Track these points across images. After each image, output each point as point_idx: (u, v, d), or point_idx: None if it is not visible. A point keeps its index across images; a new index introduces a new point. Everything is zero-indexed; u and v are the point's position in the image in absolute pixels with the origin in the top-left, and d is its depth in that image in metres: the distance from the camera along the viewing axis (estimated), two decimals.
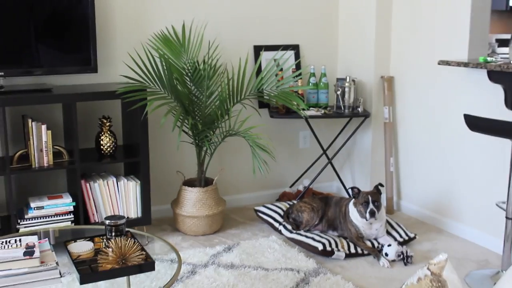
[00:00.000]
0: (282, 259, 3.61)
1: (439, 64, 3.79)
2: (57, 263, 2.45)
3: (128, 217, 3.80)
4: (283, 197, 4.64)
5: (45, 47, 3.73)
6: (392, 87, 4.46)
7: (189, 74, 3.93)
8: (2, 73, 3.60)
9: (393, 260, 3.59)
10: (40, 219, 3.63)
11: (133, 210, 3.86)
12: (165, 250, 3.42)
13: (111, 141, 3.84)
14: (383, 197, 4.21)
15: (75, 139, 3.64)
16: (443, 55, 3.93)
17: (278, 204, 4.30)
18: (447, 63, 3.70)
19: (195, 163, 4.12)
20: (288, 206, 4.22)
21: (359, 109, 4.41)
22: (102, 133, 3.83)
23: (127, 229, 2.75)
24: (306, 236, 3.79)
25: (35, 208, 3.62)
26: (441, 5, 3.99)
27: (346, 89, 4.38)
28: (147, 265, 2.53)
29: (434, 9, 4.05)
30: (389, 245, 3.62)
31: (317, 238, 3.75)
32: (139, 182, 3.84)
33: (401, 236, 3.83)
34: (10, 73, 3.65)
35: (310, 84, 4.50)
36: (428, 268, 1.63)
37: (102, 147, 3.83)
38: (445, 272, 1.63)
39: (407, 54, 4.32)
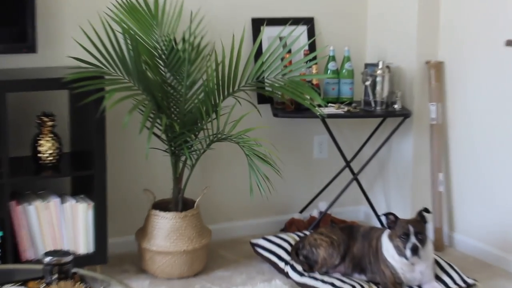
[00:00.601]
0: None
1: (507, 45, 3.74)
2: None
3: (76, 253, 3.74)
4: (290, 226, 4.63)
5: None
6: (442, 76, 4.43)
7: (163, 56, 3.95)
8: None
9: None
10: None
11: (83, 243, 3.85)
12: None
13: (53, 147, 3.83)
14: (430, 228, 4.16)
15: (4, 144, 3.64)
16: None
17: (284, 236, 4.29)
18: None
19: (170, 178, 4.13)
20: (297, 239, 4.20)
21: (396, 106, 4.40)
22: (42, 135, 3.82)
23: (74, 269, 2.74)
24: (323, 281, 3.76)
25: None
26: None
27: (378, 79, 4.37)
28: None
29: None
30: None
31: (338, 283, 3.71)
32: (92, 204, 3.82)
33: (455, 283, 3.79)
34: None
35: (329, 71, 4.49)
36: None
37: (41, 155, 3.82)
38: None
39: (462, 32, 4.30)
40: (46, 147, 3.81)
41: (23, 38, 3.81)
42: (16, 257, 3.73)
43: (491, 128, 4.15)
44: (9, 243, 3.68)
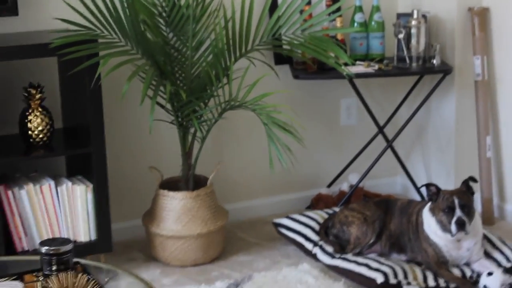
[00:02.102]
0: None
1: None
2: None
3: (76, 241, 3.80)
4: (318, 202, 4.66)
5: None
6: (487, 25, 4.44)
7: (164, 14, 3.94)
8: None
9: None
10: None
11: (83, 229, 3.88)
12: None
13: (44, 123, 3.85)
14: (477, 199, 4.19)
15: None
16: None
17: (310, 214, 4.31)
18: None
19: (178, 153, 4.15)
20: (326, 216, 4.23)
21: (435, 62, 4.40)
22: (30, 110, 3.84)
23: (75, 259, 2.77)
24: (357, 263, 3.78)
25: None
26: None
27: (413, 31, 4.38)
28: None
29: None
30: (489, 274, 3.60)
31: (375, 265, 3.73)
32: (92, 185, 3.85)
33: (508, 260, 3.80)
34: None
35: (356, 24, 4.51)
36: None
37: (30, 132, 3.84)
38: None
39: None
40: (36, 124, 3.81)
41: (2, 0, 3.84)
42: (10, 248, 3.75)
43: None
44: (0, 232, 3.73)
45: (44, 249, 2.67)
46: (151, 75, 3.78)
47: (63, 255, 2.68)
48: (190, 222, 4.00)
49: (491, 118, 4.48)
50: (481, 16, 4.40)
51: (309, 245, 4.04)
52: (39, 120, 3.83)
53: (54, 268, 2.67)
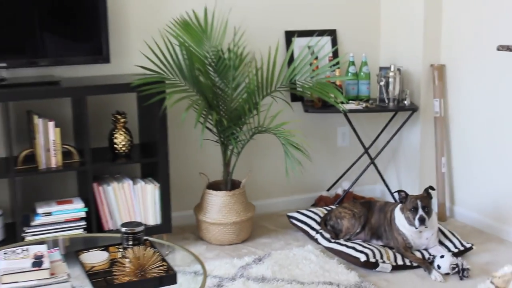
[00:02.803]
0: (320, 271, 3.61)
1: (498, 49, 3.75)
2: (68, 275, 2.49)
3: (146, 224, 3.80)
4: (319, 202, 4.64)
5: (51, 35, 3.77)
6: (444, 76, 4.42)
7: (212, 64, 3.93)
8: (5, 64, 3.66)
9: (447, 274, 3.55)
10: (48, 226, 3.68)
11: (151, 216, 3.89)
12: (188, 261, 3.44)
13: (126, 139, 3.86)
14: (434, 202, 4.16)
15: (86, 138, 3.68)
16: (504, 39, 3.88)
17: (314, 209, 4.29)
18: (508, 48, 3.65)
19: (220, 163, 4.14)
20: (325, 212, 4.22)
21: (406, 102, 4.38)
22: (116, 130, 3.86)
23: (145, 237, 2.79)
24: (347, 246, 3.78)
25: (43, 214, 3.66)
26: None
27: (391, 80, 4.35)
28: (169, 277, 2.57)
29: None
30: (442, 256, 3.59)
31: (359, 248, 3.73)
32: (158, 185, 3.86)
33: (455, 247, 3.79)
34: (13, 64, 3.70)
35: (349, 74, 4.49)
36: (491, 282, 1.61)
37: (116, 146, 3.86)
38: (511, 286, 1.60)
39: (460, 39, 4.27)
40: (120, 140, 3.84)
41: (99, 51, 3.81)
42: (99, 228, 3.78)
43: (484, 119, 4.14)
44: (93, 216, 3.75)
45: (124, 229, 2.74)
46: (202, 107, 3.80)
47: (137, 234, 2.74)
48: (228, 213, 4.00)
49: (445, 144, 4.45)
50: (439, 70, 4.39)
51: (312, 232, 4.04)
52: (122, 137, 3.85)
53: (130, 243, 2.73)
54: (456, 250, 3.76)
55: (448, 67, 4.40)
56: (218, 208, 4.01)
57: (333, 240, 3.89)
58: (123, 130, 3.86)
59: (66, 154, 3.77)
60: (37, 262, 2.47)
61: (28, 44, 3.72)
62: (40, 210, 3.67)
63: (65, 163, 3.72)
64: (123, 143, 3.85)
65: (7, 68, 3.67)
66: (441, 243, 3.81)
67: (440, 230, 3.90)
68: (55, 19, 3.75)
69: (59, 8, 3.74)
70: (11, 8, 3.63)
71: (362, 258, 3.61)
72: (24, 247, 2.61)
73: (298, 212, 4.26)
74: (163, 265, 2.59)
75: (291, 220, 4.23)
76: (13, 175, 3.58)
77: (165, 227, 3.90)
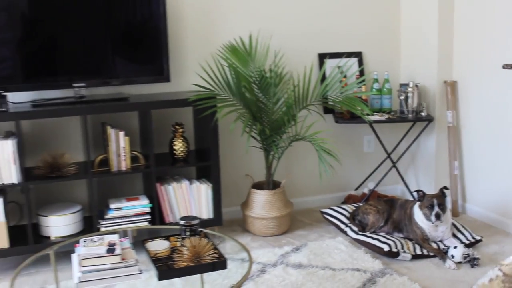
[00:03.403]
0: (349, 259, 3.59)
1: (503, 68, 3.70)
2: (136, 260, 2.51)
3: (201, 218, 3.82)
4: (348, 199, 4.61)
5: (121, 59, 3.81)
6: (455, 91, 4.37)
7: (256, 82, 3.93)
8: (84, 84, 3.71)
9: (459, 262, 3.51)
10: (119, 219, 3.72)
11: (205, 211, 3.90)
12: (236, 250, 3.46)
13: (183, 146, 3.88)
14: (448, 200, 4.13)
15: (150, 145, 3.71)
16: (508, 59, 3.84)
17: (343, 206, 4.28)
18: None
19: (263, 166, 4.14)
20: (353, 208, 4.20)
21: (423, 114, 4.34)
22: (175, 138, 3.88)
23: (200, 229, 2.79)
24: (372, 238, 3.76)
25: (115, 209, 3.71)
26: (504, 8, 3.89)
27: (409, 94, 4.32)
28: (220, 263, 2.57)
29: (496, 13, 3.95)
30: (455, 247, 3.55)
31: (383, 239, 3.71)
32: (211, 185, 3.87)
33: (467, 239, 3.75)
34: (91, 84, 3.75)
35: (374, 89, 4.46)
36: (500, 269, 1.60)
37: (175, 152, 3.88)
38: None
39: (470, 58, 4.23)
40: (178, 146, 3.86)
41: (161, 72, 3.84)
42: (161, 221, 3.81)
43: (491, 128, 4.09)
44: (156, 211, 3.78)
45: (182, 222, 2.74)
46: (248, 119, 3.83)
47: (193, 226, 2.74)
48: (270, 209, 4.00)
49: (457, 149, 4.40)
50: (451, 86, 4.34)
51: (342, 226, 4.03)
52: (180, 144, 3.87)
53: (187, 233, 2.73)
54: (467, 242, 3.71)
55: (459, 83, 4.35)
56: (262, 204, 4.01)
57: (360, 233, 3.88)
58: (181, 138, 3.88)
59: (134, 159, 3.80)
60: (111, 249, 2.50)
61: (103, 67, 3.77)
62: (112, 206, 3.72)
63: (133, 166, 3.76)
64: (181, 149, 3.87)
65: (86, 87, 3.72)
66: (454, 235, 3.77)
67: (453, 224, 3.85)
68: (125, 46, 3.79)
69: (128, 37, 3.79)
70: (89, 39, 3.70)
71: (386, 248, 3.60)
72: (100, 236, 2.64)
73: (330, 208, 4.25)
74: (215, 253, 2.60)
75: (324, 215, 4.22)
76: (90, 176, 3.63)
77: (216, 220, 3.91)
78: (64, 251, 3.09)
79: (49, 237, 3.63)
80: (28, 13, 3.56)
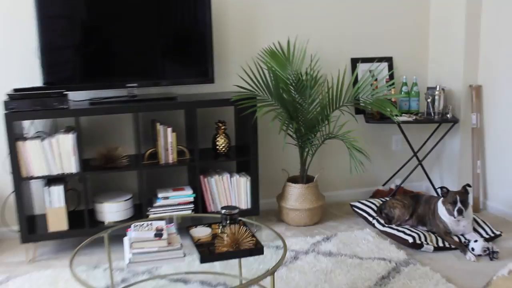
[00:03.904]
0: (375, 249, 3.59)
1: None
2: (181, 244, 2.55)
3: (240, 208, 3.76)
4: (376, 194, 4.60)
5: (170, 62, 3.82)
6: (480, 95, 4.32)
7: (293, 84, 3.93)
8: (136, 84, 3.75)
9: (479, 255, 3.48)
10: (166, 207, 3.75)
11: (243, 202, 3.91)
12: (271, 238, 3.50)
13: (225, 142, 3.90)
14: (470, 197, 4.10)
15: (195, 140, 3.74)
16: None
17: (372, 200, 4.26)
18: None
19: (298, 162, 4.14)
20: (381, 202, 4.18)
21: (448, 116, 4.31)
22: (218, 135, 3.91)
23: (239, 218, 2.80)
24: (398, 230, 3.75)
25: (162, 198, 3.74)
26: None
27: (436, 97, 4.29)
28: (257, 250, 2.58)
29: None
30: (475, 241, 3.52)
31: (408, 232, 3.70)
32: (249, 178, 3.88)
33: (487, 233, 3.71)
34: (142, 84, 3.78)
35: (403, 92, 4.43)
36: None
37: (218, 147, 3.90)
38: None
39: (495, 64, 4.17)
40: (221, 142, 3.87)
41: (206, 74, 3.84)
42: (204, 210, 3.83)
43: None
44: (199, 201, 3.79)
45: (223, 211, 2.75)
46: (284, 118, 3.83)
47: (233, 215, 2.75)
48: (303, 201, 4.00)
49: (480, 150, 4.35)
50: (477, 90, 4.29)
51: (370, 218, 4.02)
52: (222, 140, 3.89)
53: (228, 222, 2.74)
54: (487, 236, 3.68)
55: (484, 87, 4.29)
56: (296, 197, 4.01)
57: (386, 225, 3.87)
58: (223, 135, 3.90)
59: (180, 153, 3.83)
60: (158, 234, 2.53)
61: (153, 69, 3.79)
62: (160, 195, 3.75)
63: (179, 160, 3.78)
64: (223, 145, 3.89)
65: (138, 87, 3.76)
66: (475, 230, 3.74)
67: (474, 219, 3.83)
68: (173, 50, 3.80)
69: (177, 42, 3.80)
70: (141, 43, 3.74)
71: (410, 240, 3.59)
72: (148, 222, 2.66)
73: (359, 202, 4.24)
74: (252, 240, 2.61)
75: (353, 208, 4.22)
76: (141, 168, 3.67)
77: (254, 210, 3.91)
78: (117, 234, 3.16)
79: (103, 222, 3.70)
80: (87, 21, 3.62)
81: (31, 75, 3.79)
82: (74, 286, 3.17)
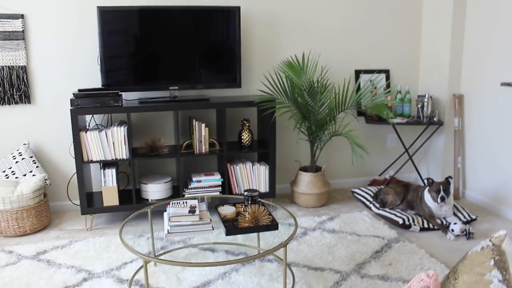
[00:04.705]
0: (371, 228, 3.56)
1: (501, 85, 3.57)
2: (210, 220, 2.55)
3: (259, 191, 3.77)
4: (373, 182, 4.56)
5: (205, 69, 3.81)
6: (462, 102, 4.24)
7: (306, 90, 3.91)
8: (177, 87, 3.75)
9: (458, 235, 3.43)
10: (199, 189, 3.73)
11: (263, 186, 3.89)
12: (285, 216, 3.49)
13: (249, 137, 3.89)
14: (452, 187, 4.05)
15: (224, 135, 3.72)
16: (506, 77, 3.71)
17: (369, 187, 4.23)
18: (508, 84, 3.49)
19: (308, 154, 4.13)
20: (377, 189, 4.16)
21: (435, 119, 4.25)
22: (243, 130, 3.90)
23: (259, 199, 2.80)
24: (390, 213, 3.72)
25: (196, 181, 3.74)
26: (504, 35, 3.75)
27: (425, 103, 4.24)
28: (273, 226, 2.57)
29: (496, 39, 3.82)
30: (455, 223, 3.47)
31: (399, 214, 3.67)
32: (268, 166, 3.86)
33: (464, 217, 3.66)
34: (182, 87, 3.78)
35: (397, 99, 4.38)
36: (490, 240, 1.57)
37: (242, 141, 3.90)
38: (504, 244, 1.56)
39: (475, 76, 4.09)
40: (245, 137, 3.87)
41: (234, 80, 3.82)
42: (229, 192, 3.80)
43: (490, 132, 3.96)
44: (226, 184, 3.77)
45: (245, 193, 2.75)
46: (298, 118, 3.81)
47: (253, 197, 2.74)
48: (312, 187, 3.98)
49: (461, 148, 4.28)
50: (459, 98, 4.22)
51: (367, 203, 3.99)
52: (246, 135, 3.87)
53: (249, 202, 2.73)
54: (465, 220, 3.63)
55: (465, 96, 4.22)
56: (306, 183, 3.99)
57: (381, 209, 3.84)
58: (248, 130, 3.89)
59: (211, 144, 3.83)
60: (192, 210, 2.54)
61: (191, 75, 3.78)
62: (194, 179, 3.74)
63: (210, 150, 3.77)
64: (247, 139, 3.88)
65: (178, 90, 3.75)
66: (455, 214, 3.69)
67: (454, 205, 3.78)
68: (208, 60, 3.79)
69: (211, 53, 3.78)
70: (182, 54, 3.73)
71: (400, 221, 3.55)
72: (184, 201, 2.68)
73: (358, 188, 4.21)
74: (269, 217, 2.60)
75: (354, 194, 4.19)
76: (179, 156, 3.66)
77: (271, 193, 3.89)
78: (158, 210, 3.19)
79: (147, 199, 3.70)
80: (138, 36, 3.62)
81: (93, 78, 3.81)
82: (123, 251, 3.19)
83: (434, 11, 4.38)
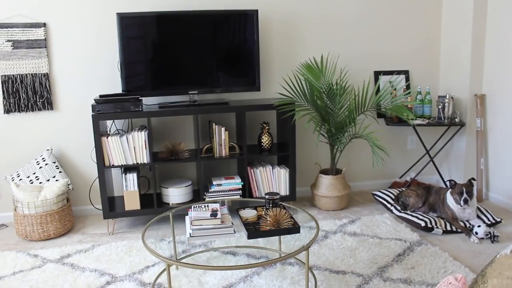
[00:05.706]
0: (393, 231, 3.54)
1: None
2: (232, 223, 2.56)
3: (280, 194, 3.78)
4: (394, 185, 4.52)
5: (224, 73, 3.83)
6: (484, 103, 4.19)
7: (325, 92, 3.90)
8: (196, 91, 3.77)
9: (482, 238, 3.39)
10: (219, 192, 3.75)
11: (283, 189, 3.88)
12: (306, 220, 3.48)
13: (269, 140, 3.88)
14: (475, 189, 4.00)
15: (244, 138, 3.73)
16: None
17: (390, 190, 4.20)
18: None
19: (328, 157, 4.12)
20: (398, 192, 4.12)
21: (456, 120, 4.20)
22: (263, 133, 3.89)
23: (280, 202, 2.81)
24: (412, 215, 3.69)
25: (216, 185, 3.75)
26: None
27: (446, 104, 4.19)
28: (294, 229, 2.57)
29: None
30: (478, 226, 3.43)
31: (421, 217, 3.64)
32: (288, 169, 3.85)
33: (489, 220, 3.61)
34: (201, 91, 3.80)
35: (417, 100, 4.35)
36: None
37: (262, 143, 3.89)
38: None
39: (496, 77, 4.05)
40: (265, 140, 3.85)
41: (253, 83, 3.83)
42: (250, 195, 3.82)
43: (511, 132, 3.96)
44: (246, 188, 3.79)
45: (266, 196, 2.76)
46: (318, 120, 3.80)
47: (274, 200, 2.76)
48: (333, 190, 3.97)
49: (483, 149, 4.23)
50: (481, 98, 4.17)
51: (389, 205, 3.96)
52: (266, 138, 3.86)
53: (270, 205, 2.75)
54: (489, 222, 3.58)
55: (487, 96, 4.17)
56: (326, 186, 3.98)
57: (402, 211, 3.81)
58: (267, 133, 3.88)
59: (231, 148, 3.84)
60: (213, 214, 2.55)
61: (210, 79, 3.80)
62: (214, 182, 3.76)
63: (230, 154, 3.78)
64: (267, 142, 3.87)
65: (197, 94, 3.78)
66: (478, 217, 3.65)
67: (478, 208, 3.73)
68: (227, 64, 3.81)
69: (229, 57, 3.80)
70: (200, 58, 3.75)
71: (422, 224, 3.52)
72: (205, 204, 2.69)
73: (379, 191, 4.18)
74: (291, 221, 2.60)
75: (374, 196, 4.16)
76: (199, 160, 3.68)
77: (291, 196, 3.89)
78: (179, 214, 3.21)
79: (168, 203, 3.72)
80: (157, 41, 3.66)
81: (114, 84, 3.86)
82: (145, 254, 3.22)
83: (454, 9, 4.34)
